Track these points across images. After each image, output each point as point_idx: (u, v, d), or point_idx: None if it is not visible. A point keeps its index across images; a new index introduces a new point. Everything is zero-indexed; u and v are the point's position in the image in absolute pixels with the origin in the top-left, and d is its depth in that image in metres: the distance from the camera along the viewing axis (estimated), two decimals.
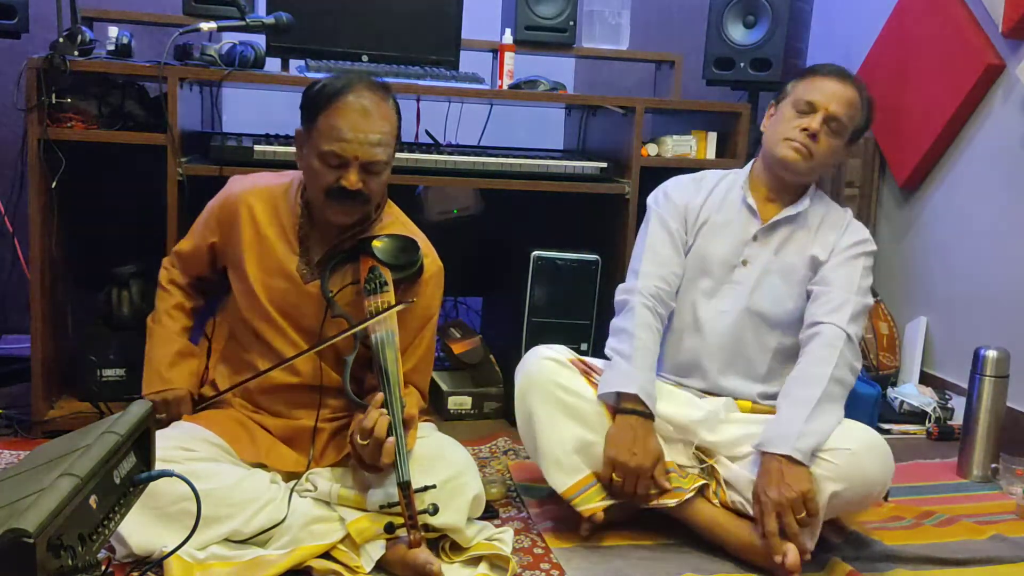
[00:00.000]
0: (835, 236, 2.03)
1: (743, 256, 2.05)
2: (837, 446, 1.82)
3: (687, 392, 2.07)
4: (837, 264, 2.00)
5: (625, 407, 1.90)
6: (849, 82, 2.01)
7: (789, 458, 1.78)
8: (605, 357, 2.02)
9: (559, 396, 1.93)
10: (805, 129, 1.97)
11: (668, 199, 2.11)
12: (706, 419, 1.97)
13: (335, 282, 1.89)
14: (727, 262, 2.06)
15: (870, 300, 2.00)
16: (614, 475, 1.88)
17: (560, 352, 2.01)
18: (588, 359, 2.06)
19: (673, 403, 1.99)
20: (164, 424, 1.87)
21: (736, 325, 2.03)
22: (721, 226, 2.07)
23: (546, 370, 1.96)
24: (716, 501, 1.92)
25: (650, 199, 2.16)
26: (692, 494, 1.91)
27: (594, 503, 1.90)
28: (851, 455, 1.81)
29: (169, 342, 1.97)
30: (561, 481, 1.90)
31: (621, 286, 2.08)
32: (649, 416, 1.91)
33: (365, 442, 1.71)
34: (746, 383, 2.05)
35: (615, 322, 2.05)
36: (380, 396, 1.75)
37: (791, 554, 1.76)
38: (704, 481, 1.93)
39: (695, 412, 1.98)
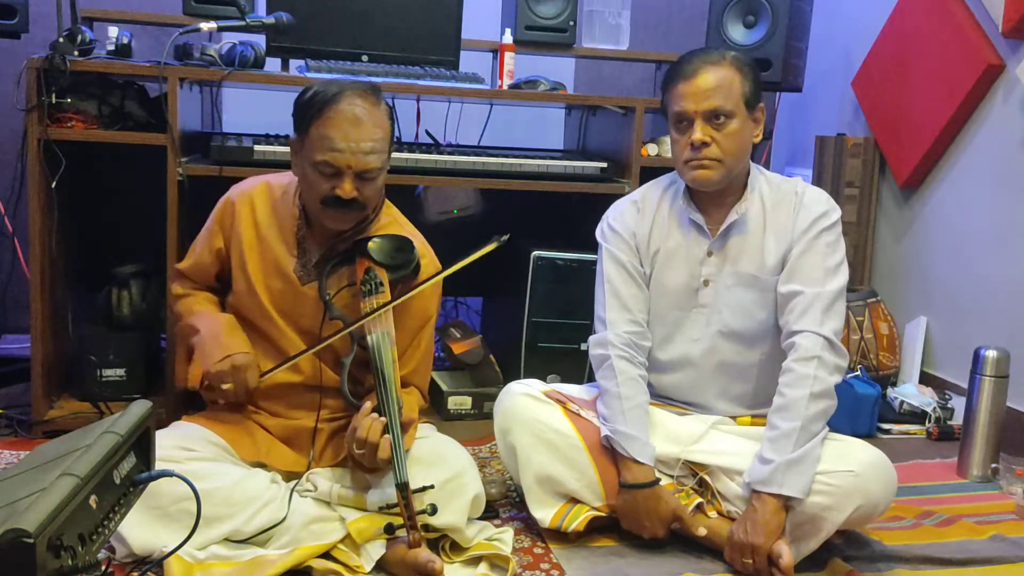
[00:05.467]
0: (790, 217, 1.92)
1: (702, 276, 1.96)
2: (839, 468, 1.78)
3: (673, 415, 2.00)
4: (799, 253, 1.89)
5: (627, 481, 1.88)
6: (705, 66, 1.86)
7: (774, 496, 1.77)
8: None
9: (538, 432, 1.93)
10: (692, 144, 1.86)
11: (614, 232, 2.03)
12: (691, 440, 1.93)
13: (332, 284, 1.89)
14: (688, 287, 1.98)
15: (842, 278, 1.89)
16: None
17: (534, 387, 2.02)
18: (561, 387, 2.06)
19: (657, 437, 1.93)
20: (232, 397, 1.80)
21: (712, 351, 1.97)
22: (673, 252, 1.98)
23: (525, 407, 1.96)
24: (713, 513, 1.91)
25: (597, 233, 2.08)
26: (689, 512, 1.90)
27: (579, 518, 1.91)
28: (854, 477, 1.78)
29: (217, 318, 1.91)
30: (543, 515, 1.92)
31: (593, 338, 2.02)
32: (654, 483, 1.88)
33: (361, 451, 1.72)
34: (738, 403, 2.00)
35: (599, 381, 1.98)
36: (369, 405, 1.75)
37: (785, 556, 1.75)
38: (700, 499, 1.91)
39: (675, 446, 1.93)
